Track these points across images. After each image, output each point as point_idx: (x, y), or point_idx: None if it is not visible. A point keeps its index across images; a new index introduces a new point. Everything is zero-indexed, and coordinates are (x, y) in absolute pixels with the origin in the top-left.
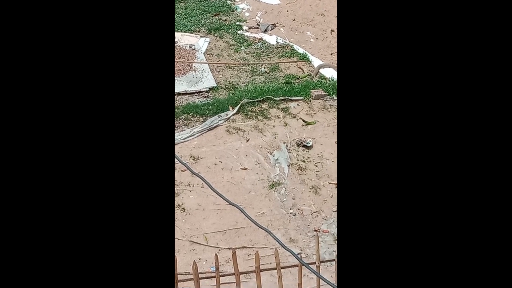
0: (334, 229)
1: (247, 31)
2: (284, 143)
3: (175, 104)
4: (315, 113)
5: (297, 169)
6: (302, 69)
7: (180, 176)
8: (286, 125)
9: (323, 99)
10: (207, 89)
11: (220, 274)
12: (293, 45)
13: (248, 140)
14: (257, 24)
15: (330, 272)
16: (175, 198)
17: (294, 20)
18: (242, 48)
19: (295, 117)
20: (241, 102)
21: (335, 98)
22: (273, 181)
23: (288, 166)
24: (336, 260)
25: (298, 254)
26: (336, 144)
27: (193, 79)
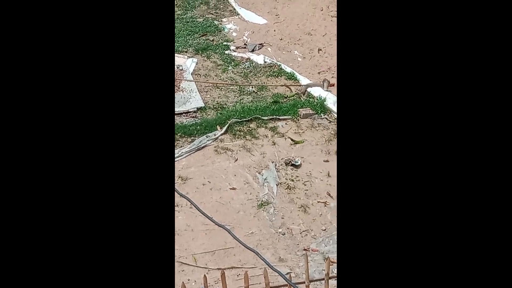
0: (323, 248)
1: (234, 51)
2: (272, 162)
3: None
4: (303, 132)
5: (286, 188)
6: (290, 88)
7: None
8: (274, 144)
9: (311, 118)
10: (195, 109)
11: None
12: (280, 65)
13: (236, 160)
14: (245, 44)
15: None
16: None
17: (281, 39)
18: (229, 68)
19: (283, 136)
20: (229, 122)
21: (323, 116)
22: (262, 201)
23: (277, 185)
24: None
25: (287, 273)
26: (324, 163)
27: (181, 99)
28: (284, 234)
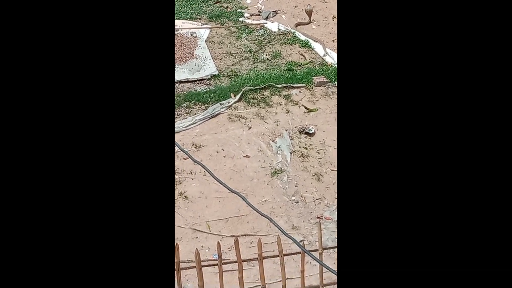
0: (336, 216)
1: (248, 18)
2: (286, 130)
3: (177, 92)
4: (317, 100)
5: (300, 156)
6: (304, 56)
7: (182, 164)
8: (288, 112)
9: (325, 86)
10: (209, 76)
11: (223, 261)
12: (295, 32)
13: (250, 128)
14: (259, 11)
15: (332, 259)
16: (178, 186)
17: (295, 7)
18: (243, 36)
19: (297, 104)
20: (243, 90)
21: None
22: (276, 169)
23: (291, 153)
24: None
25: (301, 241)
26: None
27: (195, 66)
28: (298, 202)
